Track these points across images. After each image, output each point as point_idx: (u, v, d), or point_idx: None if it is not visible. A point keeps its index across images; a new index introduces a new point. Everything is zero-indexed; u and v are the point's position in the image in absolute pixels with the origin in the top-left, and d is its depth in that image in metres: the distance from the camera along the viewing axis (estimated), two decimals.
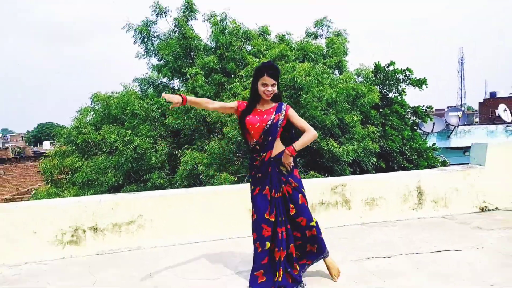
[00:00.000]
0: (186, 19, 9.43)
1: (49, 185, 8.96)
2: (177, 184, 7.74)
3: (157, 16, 9.44)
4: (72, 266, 3.35)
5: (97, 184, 7.96)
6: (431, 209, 4.44)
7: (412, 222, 4.23)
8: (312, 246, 2.76)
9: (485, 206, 4.55)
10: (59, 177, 9.12)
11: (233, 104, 2.79)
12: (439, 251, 3.27)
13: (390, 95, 11.68)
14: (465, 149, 14.64)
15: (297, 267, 2.72)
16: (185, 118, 8.01)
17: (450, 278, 2.73)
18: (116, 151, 8.02)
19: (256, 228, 2.69)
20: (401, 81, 11.31)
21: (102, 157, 8.07)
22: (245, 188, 3.61)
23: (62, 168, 8.82)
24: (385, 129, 10.40)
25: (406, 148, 10.45)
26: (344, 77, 9.36)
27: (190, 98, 2.70)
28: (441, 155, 11.55)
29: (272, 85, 2.65)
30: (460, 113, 15.29)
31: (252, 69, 8.27)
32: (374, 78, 10.78)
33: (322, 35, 11.60)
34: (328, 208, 4.18)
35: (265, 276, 2.66)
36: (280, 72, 2.79)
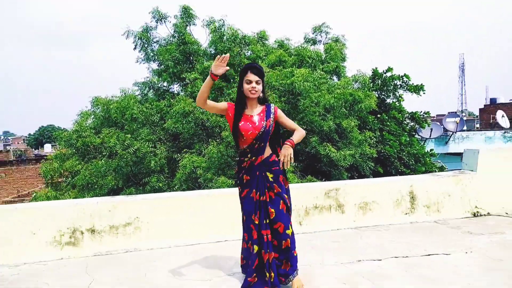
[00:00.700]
0: (185, 25, 9.56)
1: (49, 188, 9.05)
2: (176, 187, 7.82)
3: (157, 22, 9.58)
4: (70, 266, 3.43)
5: (97, 187, 8.05)
6: (424, 213, 4.51)
7: (404, 226, 4.30)
8: (286, 264, 2.76)
9: (477, 212, 4.62)
10: (59, 180, 9.21)
11: (223, 105, 2.80)
12: (429, 255, 3.35)
13: (388, 100, 11.79)
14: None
15: (289, 263, 2.76)
16: (184, 122, 8.10)
17: (436, 280, 2.81)
18: (115, 155, 8.11)
19: (247, 229, 2.79)
20: (398, 87, 11.42)
21: (102, 160, 8.16)
22: None
23: (62, 171, 8.91)
24: (383, 134, 10.49)
25: (404, 153, 10.53)
26: (342, 82, 9.48)
27: (211, 83, 2.65)
28: (439, 161, 11.61)
29: (257, 82, 2.69)
30: (457, 119, 15.37)
31: None
32: (371, 84, 10.88)
33: (321, 40, 11.74)
34: (322, 212, 4.25)
35: (257, 277, 2.73)
36: (264, 72, 2.83)
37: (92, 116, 9.47)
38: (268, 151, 2.81)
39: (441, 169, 10.98)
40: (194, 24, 9.79)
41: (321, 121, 8.41)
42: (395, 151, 10.22)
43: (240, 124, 2.73)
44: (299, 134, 2.76)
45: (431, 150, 11.72)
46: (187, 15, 9.64)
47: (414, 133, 12.08)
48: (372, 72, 11.63)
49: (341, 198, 4.32)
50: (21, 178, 20.95)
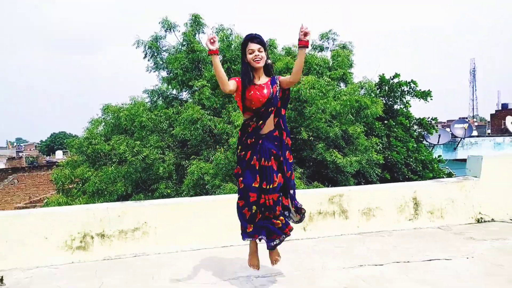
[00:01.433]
0: (194, 33, 9.75)
1: (60, 194, 9.25)
2: (184, 194, 7.94)
3: (166, 31, 9.79)
4: (80, 270, 3.55)
5: (107, 193, 8.22)
6: (427, 219, 4.55)
7: (408, 232, 4.35)
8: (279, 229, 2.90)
9: (481, 218, 4.64)
10: (70, 186, 9.41)
11: (234, 85, 2.76)
12: (430, 260, 3.39)
13: (396, 107, 11.82)
14: None
15: (279, 222, 2.87)
16: (192, 129, 8.25)
17: (436, 285, 2.86)
18: (125, 162, 8.29)
19: (244, 196, 2.85)
20: (406, 93, 11.44)
21: (112, 167, 8.34)
22: None
23: (73, 178, 9.10)
24: (390, 140, 10.51)
25: (411, 159, 10.53)
26: (348, 89, 9.55)
27: (218, 61, 2.67)
28: (447, 167, 11.57)
29: (259, 49, 2.72)
30: (466, 125, 15.29)
31: None
32: (377, 91, 10.93)
33: (328, 47, 11.83)
34: (325, 217, 4.32)
35: (252, 227, 2.89)
36: (264, 40, 2.90)
37: (103, 124, 9.68)
38: (271, 125, 2.86)
39: (449, 175, 10.94)
40: (203, 32, 9.98)
41: (327, 128, 8.49)
42: (402, 157, 10.23)
43: (248, 94, 2.75)
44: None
45: (439, 156, 11.69)
46: (196, 23, 9.84)
47: (421, 139, 12.07)
48: (379, 78, 11.68)
49: (344, 204, 4.39)
50: (33, 184, 21.34)
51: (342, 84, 10.91)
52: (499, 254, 3.46)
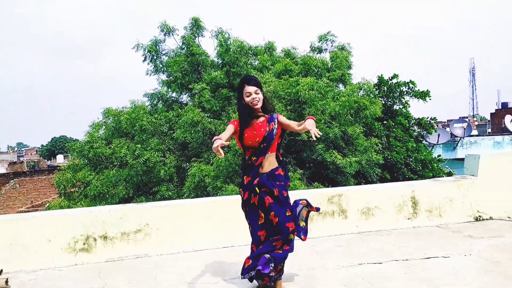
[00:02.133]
0: (193, 37, 9.82)
1: (62, 198, 9.30)
2: (185, 196, 7.99)
3: (165, 35, 9.86)
4: (84, 272, 3.60)
5: (108, 196, 8.26)
6: (426, 218, 4.60)
7: (406, 231, 4.40)
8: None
9: (479, 216, 4.69)
10: (71, 190, 9.46)
11: (232, 128, 2.88)
12: (428, 258, 3.44)
13: (395, 107, 11.87)
14: None
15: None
16: (192, 132, 8.31)
17: (434, 282, 2.91)
18: (126, 165, 8.34)
19: (254, 238, 2.88)
20: (404, 93, 11.50)
21: (113, 170, 8.39)
22: None
23: (74, 182, 9.15)
24: (390, 140, 10.56)
25: (411, 159, 10.58)
26: (347, 90, 9.60)
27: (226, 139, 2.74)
28: (447, 166, 11.61)
29: (255, 92, 2.83)
30: (465, 125, 15.33)
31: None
32: (376, 91, 10.99)
33: (327, 49, 11.90)
34: (325, 217, 4.37)
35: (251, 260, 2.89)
36: (260, 81, 2.98)
37: (104, 127, 9.74)
38: (274, 163, 2.92)
39: (449, 174, 10.99)
40: (202, 35, 10.06)
41: (326, 129, 8.54)
42: (402, 157, 10.27)
43: (245, 134, 2.85)
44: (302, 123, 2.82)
45: (439, 156, 11.74)
46: (196, 26, 9.91)
47: (421, 139, 12.11)
48: (378, 79, 11.74)
49: (344, 204, 4.44)
50: (35, 188, 21.39)
51: (341, 85, 10.97)
52: (497, 252, 3.51)
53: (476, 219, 4.67)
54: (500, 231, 4.17)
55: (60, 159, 40.62)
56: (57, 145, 69.84)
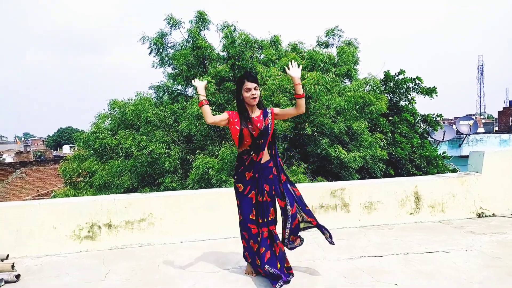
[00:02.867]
0: (199, 30, 9.81)
1: (68, 187, 9.41)
2: (189, 188, 8.04)
3: (171, 28, 9.86)
4: (88, 259, 3.67)
5: (113, 186, 8.34)
6: (428, 214, 4.61)
7: (408, 226, 4.41)
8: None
9: (482, 212, 4.68)
10: (77, 179, 9.56)
11: (224, 117, 2.96)
12: (429, 252, 3.46)
13: (401, 103, 11.81)
14: None
15: (278, 265, 2.91)
16: (197, 124, 8.33)
17: (434, 275, 2.93)
18: (131, 156, 8.40)
19: (245, 228, 3.00)
20: (411, 89, 11.43)
21: (118, 161, 8.46)
22: None
23: (80, 171, 9.25)
24: (395, 136, 10.52)
25: (416, 155, 10.54)
26: (353, 85, 9.57)
27: (205, 108, 2.91)
28: (452, 163, 11.56)
29: (255, 88, 2.90)
30: (471, 122, 15.22)
31: (262, 77, 8.56)
32: (382, 87, 10.94)
33: (333, 44, 11.85)
34: (327, 211, 4.40)
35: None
36: (258, 79, 3.05)
37: (109, 118, 9.80)
38: (267, 155, 3.02)
39: (454, 171, 10.93)
40: (207, 28, 10.04)
41: (331, 124, 8.53)
42: (407, 153, 10.24)
43: (244, 129, 2.91)
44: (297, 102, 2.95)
45: (444, 153, 11.67)
46: (202, 20, 9.90)
47: (426, 136, 12.05)
48: (384, 75, 11.67)
49: (346, 198, 4.46)
50: (41, 178, 21.62)
51: (347, 81, 10.94)
52: (499, 247, 3.51)
53: (479, 216, 4.66)
54: (503, 227, 4.17)
55: (66, 149, 40.95)
56: (64, 136, 70.36)
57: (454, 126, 16.60)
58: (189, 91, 10.83)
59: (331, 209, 4.41)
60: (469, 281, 2.80)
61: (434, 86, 11.32)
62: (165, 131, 9.02)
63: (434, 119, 11.84)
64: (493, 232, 3.99)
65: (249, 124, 2.91)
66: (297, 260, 3.37)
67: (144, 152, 8.13)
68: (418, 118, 11.78)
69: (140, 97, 9.58)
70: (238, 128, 2.92)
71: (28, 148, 46.22)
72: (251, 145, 2.94)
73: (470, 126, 15.14)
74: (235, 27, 9.81)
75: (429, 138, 12.72)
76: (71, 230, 3.91)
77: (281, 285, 2.80)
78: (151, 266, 3.38)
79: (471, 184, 4.69)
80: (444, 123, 16.06)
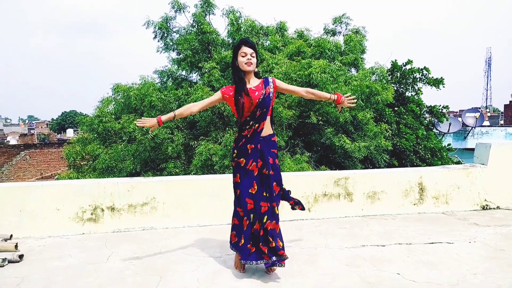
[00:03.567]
0: (204, 14, 9.69)
1: (71, 170, 9.44)
2: (192, 173, 8.04)
3: (176, 12, 9.73)
4: (91, 241, 3.68)
5: (116, 170, 8.35)
6: (432, 205, 4.58)
7: (412, 216, 4.39)
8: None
9: (486, 205, 4.65)
10: (81, 163, 9.59)
11: (217, 96, 2.86)
12: (432, 243, 3.44)
13: (407, 94, 11.68)
14: None
15: (280, 243, 2.80)
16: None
17: (436, 265, 2.91)
18: (134, 140, 8.40)
19: (240, 204, 2.83)
20: (418, 80, 11.29)
21: (122, 145, 8.46)
22: None
23: (83, 155, 9.27)
24: (400, 127, 10.44)
25: (420, 147, 10.47)
26: (360, 74, 9.47)
27: (170, 114, 2.81)
28: (456, 156, 11.49)
29: (251, 54, 2.77)
30: (477, 114, 15.07)
31: (267, 64, 8.48)
32: (389, 77, 10.82)
33: (341, 32, 11.69)
34: (330, 199, 4.38)
35: (254, 247, 2.80)
36: (257, 47, 2.94)
37: (113, 102, 9.76)
38: (270, 128, 2.90)
39: (458, 164, 10.87)
40: (213, 13, 9.92)
41: (336, 113, 8.46)
42: (411, 144, 10.17)
43: (240, 98, 2.76)
44: (320, 92, 2.98)
45: (449, 145, 11.59)
46: (207, 4, 9.77)
47: (431, 127, 11.96)
48: (392, 65, 11.53)
49: (350, 187, 4.43)
50: (45, 161, 21.74)
51: (353, 70, 10.82)
52: (502, 240, 3.49)
53: (483, 208, 4.63)
54: (507, 220, 4.14)
55: (70, 133, 41.09)
56: (68, 119, 70.56)
57: (459, 119, 16.46)
58: (194, 76, 10.76)
59: (334, 198, 4.39)
60: (471, 272, 2.79)
61: (441, 77, 11.18)
62: None
63: (440, 110, 11.72)
64: (497, 225, 3.96)
65: (244, 95, 2.76)
66: (299, 247, 3.37)
67: (148, 137, 8.12)
68: (424, 109, 11.67)
69: (144, 81, 9.53)
70: (233, 100, 2.81)
71: (32, 131, 46.44)
72: (251, 115, 2.80)
73: (476, 118, 15.00)
74: (240, 13, 9.69)
75: (434, 130, 12.63)
76: (74, 212, 3.92)
77: (268, 263, 2.72)
78: (153, 250, 3.39)
79: (476, 176, 4.65)
80: (449, 115, 15.91)
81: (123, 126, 8.46)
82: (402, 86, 11.59)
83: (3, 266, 3.07)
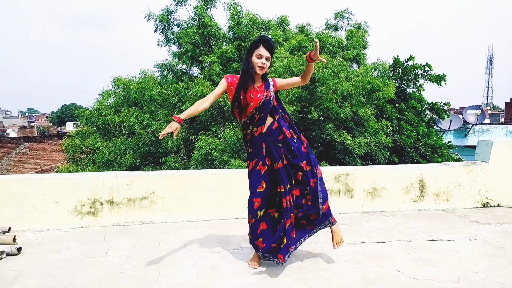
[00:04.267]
0: (205, 8, 9.63)
1: (71, 163, 9.42)
2: (192, 168, 8.03)
3: (177, 5, 9.67)
4: (89, 234, 3.67)
5: (116, 164, 8.34)
6: (433, 202, 4.56)
7: (412, 213, 4.38)
8: (316, 215, 2.83)
9: (487, 202, 4.64)
10: (80, 156, 9.57)
11: (222, 86, 2.80)
12: (432, 240, 3.42)
13: (408, 90, 11.63)
14: None
15: (294, 235, 2.83)
16: None
17: (436, 263, 2.90)
18: (134, 134, 8.37)
19: (249, 203, 2.84)
20: (419, 76, 11.24)
21: (121, 139, 8.43)
22: None
23: (83, 148, 9.24)
24: (400, 124, 10.41)
25: (421, 144, 10.45)
26: (361, 70, 9.41)
27: (185, 113, 2.71)
28: (456, 153, 11.47)
29: (267, 58, 2.70)
30: (478, 111, 15.03)
31: None
32: (390, 73, 10.77)
33: (342, 27, 11.62)
34: (330, 195, 4.35)
35: (265, 243, 2.81)
36: (274, 51, 2.88)
37: (113, 96, 9.72)
38: (269, 120, 2.85)
39: (458, 161, 10.86)
40: (214, 6, 9.85)
41: (337, 109, 8.43)
42: (412, 141, 10.15)
43: (243, 96, 2.72)
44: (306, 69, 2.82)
45: (449, 142, 11.57)
46: None
47: (432, 124, 11.93)
48: (394, 61, 11.47)
49: (350, 183, 4.41)
50: (44, 154, 21.72)
51: (355, 65, 10.77)
52: (503, 238, 3.47)
53: (484, 206, 4.62)
54: (508, 218, 4.12)
55: (70, 126, 41.01)
56: (68, 112, 70.44)
57: (460, 116, 16.42)
58: (194, 70, 10.70)
59: (334, 194, 4.37)
60: (472, 269, 2.77)
61: (443, 74, 11.13)
62: (169, 110, 8.95)
63: (442, 107, 11.68)
64: (498, 222, 3.95)
65: (242, 94, 2.71)
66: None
67: (147, 131, 8.08)
68: (425, 106, 11.63)
69: (144, 74, 9.48)
70: (231, 97, 2.78)
71: (31, 124, 46.38)
72: (250, 118, 2.78)
73: (478, 115, 14.95)
74: (241, 7, 9.62)
75: (435, 127, 12.59)
76: (73, 206, 3.90)
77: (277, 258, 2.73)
78: (152, 244, 3.37)
79: (477, 173, 4.62)
80: (450, 112, 15.87)
81: (123, 119, 8.42)
82: (404, 83, 11.54)
83: (1, 259, 3.05)
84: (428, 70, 11.26)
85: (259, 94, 2.75)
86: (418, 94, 11.45)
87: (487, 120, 27.26)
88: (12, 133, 31.27)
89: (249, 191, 2.86)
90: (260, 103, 2.74)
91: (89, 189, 3.94)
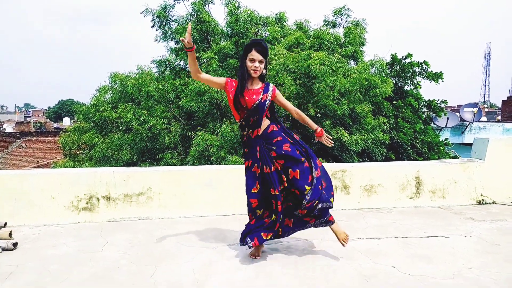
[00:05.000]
0: (203, 3, 9.59)
1: (67, 158, 9.39)
2: (189, 164, 8.02)
3: (175, 1, 9.63)
4: (86, 230, 3.66)
5: (113, 160, 8.31)
6: (429, 199, 4.59)
7: (408, 210, 4.40)
8: (310, 218, 2.94)
9: (483, 200, 4.66)
10: (77, 151, 9.54)
11: (221, 80, 2.88)
12: (428, 236, 3.45)
13: (406, 87, 11.66)
14: None
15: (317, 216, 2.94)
16: (199, 101, 8.23)
17: (431, 259, 2.91)
18: (131, 130, 8.34)
19: (247, 203, 2.95)
20: (417, 74, 11.26)
21: (118, 134, 8.41)
22: None
23: (80, 144, 9.21)
24: (397, 121, 10.44)
25: (418, 141, 10.49)
26: (359, 67, 9.41)
27: (194, 55, 2.75)
28: (453, 150, 11.52)
29: (260, 61, 2.76)
30: (475, 109, 15.08)
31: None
32: (388, 70, 10.78)
33: (341, 24, 11.59)
34: None
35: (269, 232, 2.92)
36: (269, 52, 2.91)
37: (110, 91, 9.67)
38: (265, 123, 2.91)
39: (455, 159, 10.90)
40: (212, 2, 9.81)
41: (335, 105, 8.43)
42: (409, 138, 10.18)
43: (240, 97, 2.79)
44: (305, 116, 3.02)
45: (446, 139, 11.61)
46: None
47: (429, 122, 11.97)
48: (391, 58, 11.48)
49: (347, 180, 4.43)
50: (41, 149, 21.64)
51: (352, 62, 10.76)
52: (498, 235, 3.50)
53: (479, 203, 4.65)
54: (503, 215, 4.15)
55: (66, 122, 40.89)
56: (64, 108, 70.21)
57: (457, 113, 16.47)
58: None
59: None
60: (467, 266, 2.79)
61: (440, 72, 11.16)
62: (166, 106, 8.93)
63: (439, 105, 11.72)
64: (493, 219, 3.97)
65: (245, 94, 2.80)
66: (295, 239, 3.36)
67: (145, 127, 8.06)
68: (422, 104, 11.66)
69: (141, 70, 9.44)
70: (231, 97, 2.83)
71: (28, 119, 46.17)
72: (246, 120, 2.84)
73: (474, 113, 15.00)
74: (239, 3, 9.60)
75: (432, 124, 12.64)
76: (70, 201, 3.90)
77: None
78: (149, 240, 3.38)
79: (473, 171, 4.65)
80: (447, 110, 15.91)
81: (120, 115, 8.39)
82: (401, 80, 11.56)
83: None
84: (425, 68, 11.29)
85: (255, 96, 2.81)
86: (415, 92, 11.48)
87: (484, 118, 27.36)
88: (9, 128, 31.13)
89: (246, 192, 2.95)
90: (254, 105, 2.79)
91: (86, 185, 3.93)
